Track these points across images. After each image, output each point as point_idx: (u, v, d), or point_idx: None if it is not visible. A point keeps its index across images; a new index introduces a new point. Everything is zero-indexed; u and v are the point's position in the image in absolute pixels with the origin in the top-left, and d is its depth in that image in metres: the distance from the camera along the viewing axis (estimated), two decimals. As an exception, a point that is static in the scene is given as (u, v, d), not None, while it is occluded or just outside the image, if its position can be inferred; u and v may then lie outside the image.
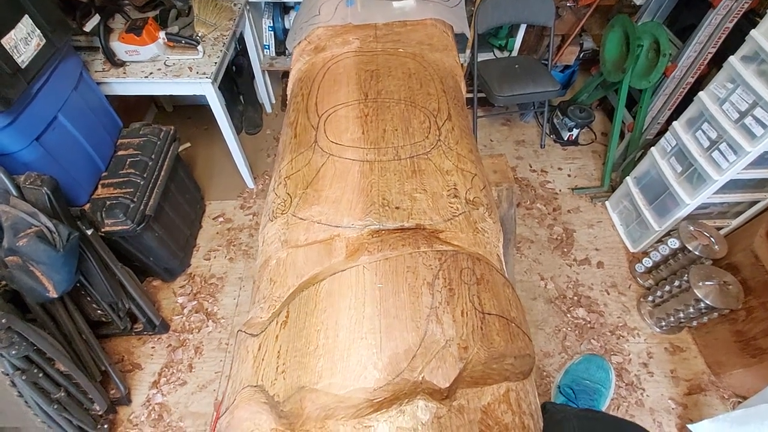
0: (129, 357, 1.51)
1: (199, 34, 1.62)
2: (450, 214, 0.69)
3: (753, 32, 1.26)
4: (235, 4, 1.80)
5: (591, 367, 1.04)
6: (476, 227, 0.69)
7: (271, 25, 2.06)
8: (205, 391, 1.44)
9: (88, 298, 1.31)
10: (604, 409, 0.98)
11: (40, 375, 1.08)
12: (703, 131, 1.45)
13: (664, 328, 1.58)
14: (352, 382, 0.48)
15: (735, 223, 1.68)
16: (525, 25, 2.08)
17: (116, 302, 1.35)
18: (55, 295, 1.05)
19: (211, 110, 1.64)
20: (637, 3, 2.01)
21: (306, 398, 0.49)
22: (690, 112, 1.52)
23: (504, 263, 0.75)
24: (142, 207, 1.37)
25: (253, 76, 2.22)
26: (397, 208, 0.68)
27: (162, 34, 1.50)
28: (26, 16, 1.10)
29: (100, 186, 1.40)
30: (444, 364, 0.49)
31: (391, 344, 0.50)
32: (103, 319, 1.41)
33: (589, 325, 1.61)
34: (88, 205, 1.34)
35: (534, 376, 0.62)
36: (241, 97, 2.31)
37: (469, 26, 1.85)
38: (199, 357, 1.51)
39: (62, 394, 1.15)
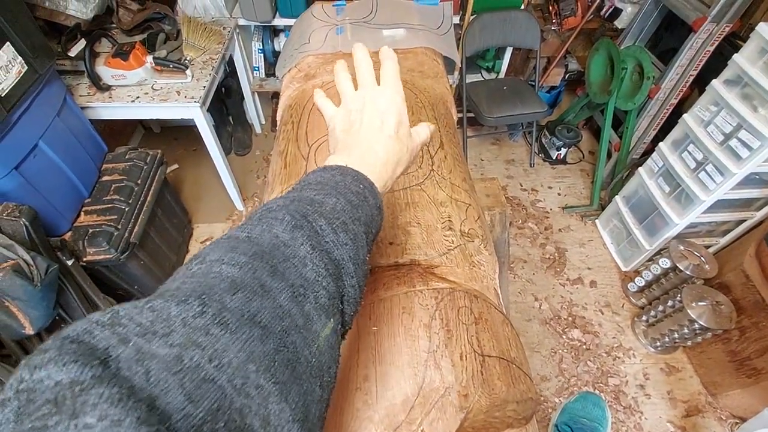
0: (110, 391, 1.44)
1: (188, 58, 1.61)
2: (445, 248, 0.67)
3: (736, 56, 1.29)
4: (224, 28, 1.80)
5: (587, 405, 1.02)
6: (472, 261, 0.68)
7: (261, 47, 2.06)
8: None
9: (68, 331, 1.25)
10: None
11: (14, 417, 1.02)
12: (689, 152, 1.47)
13: (659, 348, 1.57)
14: (347, 439, 0.45)
15: (723, 241, 1.70)
16: (511, 47, 2.12)
17: (98, 334, 1.29)
18: (32, 332, 1.00)
19: (199, 131, 1.61)
20: (620, 27, 2.07)
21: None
22: (675, 133, 1.54)
23: (500, 293, 0.73)
24: (126, 234, 1.33)
25: (243, 98, 2.21)
26: (390, 243, 0.66)
27: (149, 59, 1.49)
28: (8, 43, 1.07)
29: (82, 213, 1.35)
30: (444, 414, 0.47)
31: (387, 394, 0.48)
32: (84, 352, 1.34)
33: (584, 347, 1.60)
34: (69, 234, 1.30)
35: (535, 418, 0.59)
36: (230, 118, 2.30)
37: (458, 49, 1.87)
38: (185, 389, 1.45)
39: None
